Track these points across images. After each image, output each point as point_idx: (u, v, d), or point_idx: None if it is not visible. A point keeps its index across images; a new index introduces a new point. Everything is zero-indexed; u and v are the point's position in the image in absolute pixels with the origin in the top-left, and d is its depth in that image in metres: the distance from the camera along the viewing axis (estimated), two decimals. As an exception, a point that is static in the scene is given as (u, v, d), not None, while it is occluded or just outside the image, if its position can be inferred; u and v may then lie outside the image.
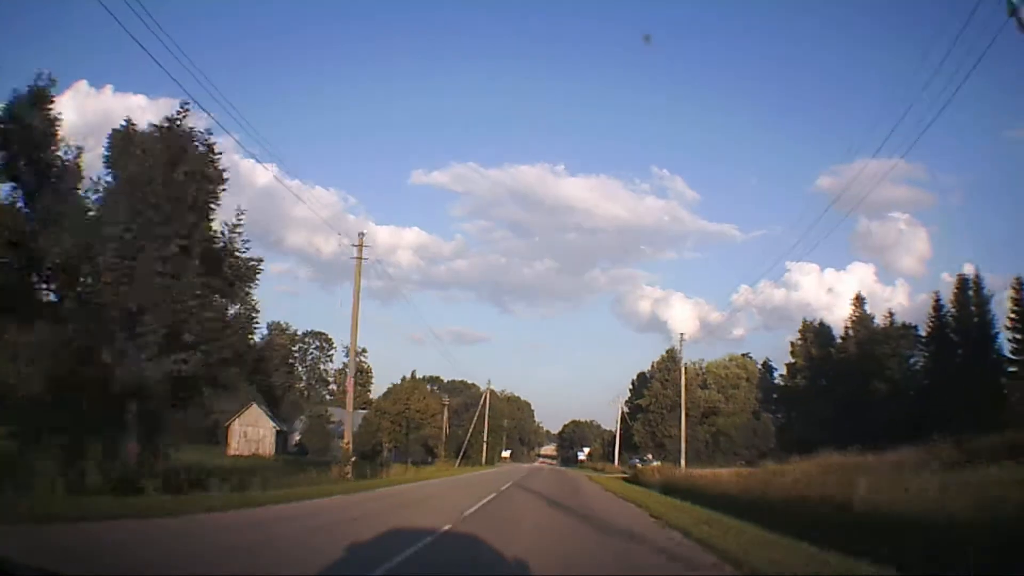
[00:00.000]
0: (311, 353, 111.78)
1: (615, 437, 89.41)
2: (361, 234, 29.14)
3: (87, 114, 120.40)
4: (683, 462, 44.35)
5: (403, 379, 65.00)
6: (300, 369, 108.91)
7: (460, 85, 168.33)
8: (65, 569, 6.12)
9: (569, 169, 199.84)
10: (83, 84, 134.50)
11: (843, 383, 55.34)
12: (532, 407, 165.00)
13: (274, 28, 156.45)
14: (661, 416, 77.02)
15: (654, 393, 78.51)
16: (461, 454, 70.03)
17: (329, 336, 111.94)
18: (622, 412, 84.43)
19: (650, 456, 70.98)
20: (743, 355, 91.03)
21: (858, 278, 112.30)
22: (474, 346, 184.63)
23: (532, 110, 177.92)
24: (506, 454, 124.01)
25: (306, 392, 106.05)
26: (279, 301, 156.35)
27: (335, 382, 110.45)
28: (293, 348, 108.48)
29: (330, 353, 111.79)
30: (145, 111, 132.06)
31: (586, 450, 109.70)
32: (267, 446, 63.01)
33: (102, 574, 7.19)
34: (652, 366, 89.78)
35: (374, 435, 69.73)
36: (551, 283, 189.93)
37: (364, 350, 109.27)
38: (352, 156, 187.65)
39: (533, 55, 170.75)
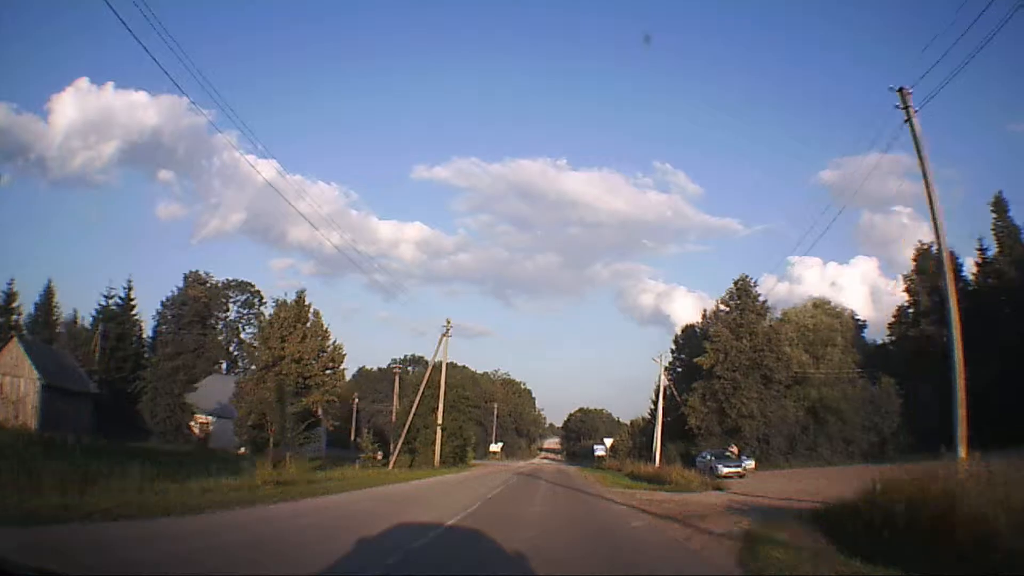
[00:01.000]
0: (233, 310, 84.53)
1: (650, 424, 60.06)
2: None
3: (89, 111, 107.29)
4: (962, 450, 15.24)
5: (280, 303, 36.44)
6: (219, 328, 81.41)
7: (461, 80, 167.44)
8: (65, 569, 6.06)
9: (571, 163, 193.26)
10: (84, 81, 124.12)
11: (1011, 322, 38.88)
12: (533, 395, 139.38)
13: (274, 24, 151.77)
14: (734, 383, 47.82)
15: (721, 346, 48.89)
16: (397, 450, 40.89)
17: (256, 287, 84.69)
18: (663, 386, 53.77)
19: (733, 449, 41.91)
20: (829, 302, 61.80)
21: (861, 272, 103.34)
22: (475, 340, 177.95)
23: (533, 105, 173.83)
24: (496, 448, 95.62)
25: (222, 360, 78.80)
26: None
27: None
28: (209, 303, 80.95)
29: (260, 310, 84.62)
30: (147, 108, 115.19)
31: (608, 442, 79.56)
32: (27, 412, 34.39)
33: (102, 574, 7.06)
34: (703, 316, 60.56)
35: (252, 409, 41.21)
36: (554, 277, 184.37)
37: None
38: (353, 152, 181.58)
39: (534, 50, 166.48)
